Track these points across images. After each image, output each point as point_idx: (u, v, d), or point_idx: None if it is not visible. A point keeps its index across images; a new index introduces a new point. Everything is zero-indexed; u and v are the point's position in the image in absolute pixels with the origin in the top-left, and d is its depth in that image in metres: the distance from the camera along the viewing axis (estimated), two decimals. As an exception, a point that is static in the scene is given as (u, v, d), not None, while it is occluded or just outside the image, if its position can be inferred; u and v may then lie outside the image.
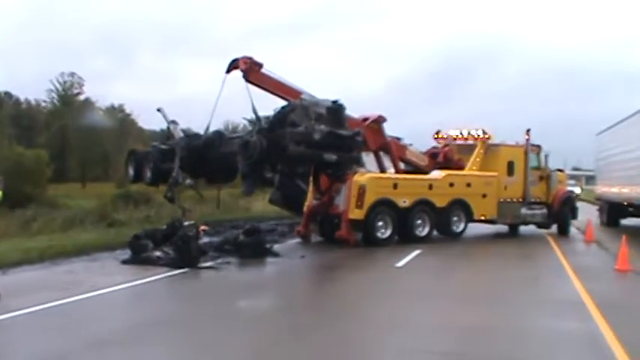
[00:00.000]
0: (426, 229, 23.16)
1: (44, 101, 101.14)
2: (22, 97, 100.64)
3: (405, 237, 22.51)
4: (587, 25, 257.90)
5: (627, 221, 32.55)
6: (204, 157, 20.60)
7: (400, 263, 18.03)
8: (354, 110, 22.35)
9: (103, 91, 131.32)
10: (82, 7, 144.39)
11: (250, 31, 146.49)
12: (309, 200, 22.69)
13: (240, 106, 22.41)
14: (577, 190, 60.55)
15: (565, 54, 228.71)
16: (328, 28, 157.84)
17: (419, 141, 27.69)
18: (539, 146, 27.89)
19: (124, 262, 17.62)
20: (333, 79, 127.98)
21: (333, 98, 20.71)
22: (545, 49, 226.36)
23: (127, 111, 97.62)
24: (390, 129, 24.29)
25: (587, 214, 31.11)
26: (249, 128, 20.77)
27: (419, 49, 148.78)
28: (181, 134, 21.49)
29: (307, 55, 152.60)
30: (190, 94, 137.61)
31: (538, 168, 27.52)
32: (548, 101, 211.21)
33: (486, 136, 26.26)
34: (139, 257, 17.70)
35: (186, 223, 18.81)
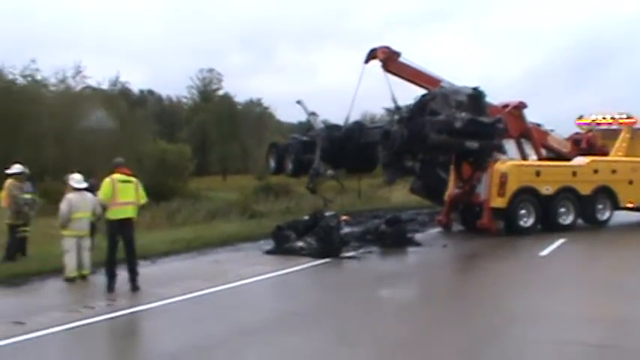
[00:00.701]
0: (570, 218, 22.53)
1: (185, 97, 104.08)
2: (163, 95, 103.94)
3: (547, 226, 21.95)
4: None
5: None
6: (345, 147, 20.78)
7: (544, 252, 17.65)
8: (492, 98, 22.05)
9: (242, 86, 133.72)
10: (224, 6, 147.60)
11: (387, 21, 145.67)
12: (451, 189, 22.47)
13: (377, 97, 22.49)
14: None
15: None
16: (464, 16, 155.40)
17: (558, 127, 27.07)
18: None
19: (268, 252, 17.98)
20: (469, 67, 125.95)
21: (473, 85, 20.50)
22: None
23: (265, 104, 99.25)
24: (535, 116, 23.83)
25: None
26: (387, 118, 20.77)
27: (555, 35, 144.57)
28: (322, 125, 21.73)
29: (443, 43, 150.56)
30: (327, 86, 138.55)
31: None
32: None
33: (632, 119, 25.36)
34: (282, 248, 18.00)
35: (327, 214, 19.02)
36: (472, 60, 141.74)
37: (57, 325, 9.95)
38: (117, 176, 13.25)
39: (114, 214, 13.13)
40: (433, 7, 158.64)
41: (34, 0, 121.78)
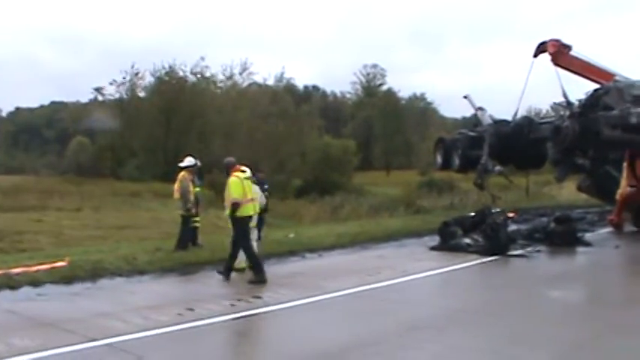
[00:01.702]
0: None
1: (349, 93, 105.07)
2: (328, 91, 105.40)
3: None
4: None
5: None
6: (513, 143, 20.41)
7: None
8: None
9: (408, 81, 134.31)
10: (393, 1, 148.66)
11: (557, 14, 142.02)
12: (623, 187, 21.60)
13: (542, 91, 21.96)
14: None
15: None
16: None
17: None
18: None
19: (433, 248, 17.89)
20: None
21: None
22: None
23: (428, 99, 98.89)
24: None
25: None
26: (553, 114, 20.27)
27: None
28: (489, 121, 21.46)
29: (616, 36, 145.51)
30: (492, 81, 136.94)
31: None
32: None
33: None
34: (448, 244, 17.86)
35: (494, 211, 18.72)
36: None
37: (225, 314, 10.24)
38: (241, 174, 13.58)
39: (246, 210, 13.47)
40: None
41: (204, 1, 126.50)
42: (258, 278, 13.08)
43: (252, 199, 13.65)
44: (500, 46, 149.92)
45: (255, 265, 13.33)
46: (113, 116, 57.12)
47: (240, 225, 13.48)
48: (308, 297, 11.57)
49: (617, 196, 21.84)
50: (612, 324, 10.03)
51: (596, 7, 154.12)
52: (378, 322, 10.01)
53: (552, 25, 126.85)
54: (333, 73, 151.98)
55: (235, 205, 13.28)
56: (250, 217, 13.68)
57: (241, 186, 13.39)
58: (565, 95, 19.20)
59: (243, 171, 13.71)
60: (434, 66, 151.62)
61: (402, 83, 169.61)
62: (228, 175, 13.70)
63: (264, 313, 10.58)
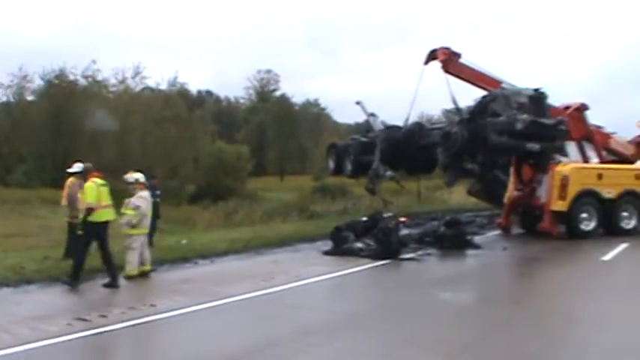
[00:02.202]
0: (633, 222, 22.09)
1: (242, 98, 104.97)
2: (221, 96, 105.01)
3: (609, 230, 21.59)
4: None
5: None
6: (404, 148, 20.70)
7: (606, 257, 17.32)
8: (556, 100, 21.85)
9: (303, 87, 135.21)
10: (292, 9, 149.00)
11: (452, 22, 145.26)
12: (511, 191, 22.28)
13: (434, 98, 22.43)
14: None
15: None
16: (527, 17, 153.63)
17: (626, 130, 26.70)
18: None
19: (326, 253, 18.00)
20: (531, 69, 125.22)
21: (534, 87, 20.34)
22: None
23: (322, 105, 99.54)
24: (597, 117, 23.52)
25: None
26: (445, 119, 20.66)
27: (626, 34, 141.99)
28: (381, 126, 21.69)
29: (506, 44, 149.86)
30: (389, 86, 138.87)
31: None
32: None
33: (698, 120, 24.88)
34: (340, 248, 18.00)
35: (386, 215, 18.97)
36: (535, 61, 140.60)
37: (117, 323, 10.10)
38: (97, 180, 13.70)
39: (99, 216, 13.49)
40: (496, 8, 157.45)
41: (97, 2, 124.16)
42: (72, 284, 13.22)
43: (107, 206, 13.69)
44: (395, 52, 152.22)
45: (75, 274, 13.34)
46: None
47: (92, 230, 13.47)
48: (202, 303, 11.51)
49: (505, 200, 22.48)
50: (499, 322, 10.47)
51: (488, 15, 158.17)
52: (270, 327, 10.07)
53: (447, 33, 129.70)
54: (227, 78, 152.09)
55: (89, 210, 13.29)
56: (105, 223, 13.64)
57: (97, 192, 13.43)
58: (454, 102, 19.60)
59: (100, 177, 13.84)
60: (330, 72, 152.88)
61: (298, 89, 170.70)
62: (85, 180, 13.91)
63: (158, 320, 10.46)
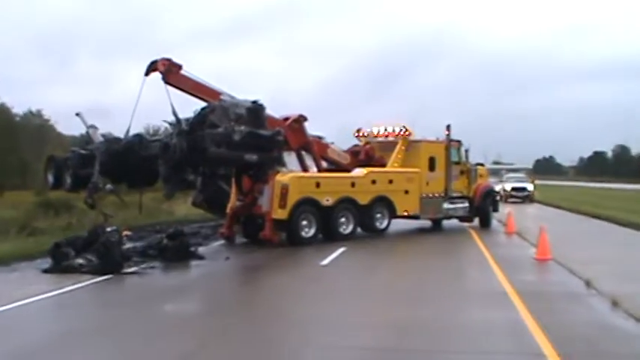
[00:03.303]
0: (350, 227, 23.27)
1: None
2: None
3: (329, 235, 22.58)
4: (517, 23, 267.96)
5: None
6: (125, 161, 20.38)
7: (325, 261, 18.10)
8: (289, 110, 22.48)
9: (27, 97, 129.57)
10: (17, 14, 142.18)
11: (192, 34, 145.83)
12: (232, 201, 22.57)
13: (163, 110, 22.24)
14: (529, 186, 55.00)
15: (491, 53, 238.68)
16: (269, 31, 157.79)
17: (345, 140, 27.97)
18: (459, 141, 28.28)
19: (45, 271, 17.22)
20: (269, 80, 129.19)
21: (253, 98, 20.85)
22: (474, 48, 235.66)
23: (46, 116, 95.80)
24: (321, 128, 24.45)
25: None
26: (170, 131, 20.58)
27: (352, 50, 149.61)
28: (101, 138, 21.23)
29: (245, 57, 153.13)
30: (121, 97, 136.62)
31: (459, 163, 27.94)
32: (476, 97, 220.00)
33: (407, 132, 26.48)
34: (60, 266, 17.31)
35: (108, 229, 18.57)
36: (273, 73, 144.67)
37: None
38: None
39: None
40: (238, 22, 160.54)
41: None
42: None
43: None
44: (127, 62, 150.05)
45: None
46: None
47: None
48: None
49: (228, 210, 22.72)
50: (221, 331, 10.68)
51: (231, 29, 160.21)
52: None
53: (188, 45, 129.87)
54: None
55: None
56: None
57: None
58: (175, 113, 19.51)
59: None
60: (58, 81, 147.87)
61: (24, 99, 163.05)
62: None
63: None
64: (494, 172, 66.32)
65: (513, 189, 54.05)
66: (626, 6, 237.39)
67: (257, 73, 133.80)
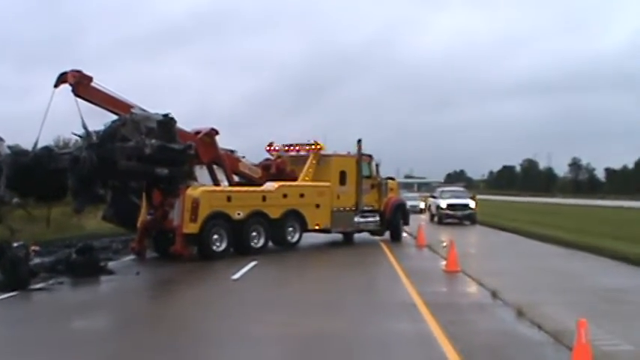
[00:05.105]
0: (262, 241, 23.35)
1: None
2: None
3: (241, 249, 22.57)
4: (443, 39, 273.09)
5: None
6: (33, 174, 20.02)
7: (236, 275, 18.13)
8: (213, 122, 22.42)
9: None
10: None
11: (116, 46, 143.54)
12: (143, 215, 22.35)
13: (75, 121, 21.91)
14: (471, 203, 44.76)
15: (417, 68, 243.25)
16: (195, 42, 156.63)
17: (260, 154, 28.04)
18: (370, 156, 28.68)
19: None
20: (196, 91, 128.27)
21: (164, 112, 20.77)
22: (401, 62, 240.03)
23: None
24: (243, 141, 24.49)
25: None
26: (80, 144, 20.32)
27: (279, 62, 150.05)
28: (8, 151, 20.81)
29: (173, 67, 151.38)
30: (39, 109, 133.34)
31: (370, 177, 28.30)
32: (397, 111, 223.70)
33: (318, 146, 26.73)
34: (-39, 283, 16.91)
35: (15, 244, 18.20)
36: (200, 84, 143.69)
37: None
38: None
39: None
40: (164, 35, 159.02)
41: None
42: None
43: None
44: (50, 73, 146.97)
45: None
46: None
47: None
48: None
49: (139, 224, 22.51)
50: (131, 346, 10.70)
51: (153, 42, 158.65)
52: None
53: (111, 57, 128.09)
54: None
55: None
56: None
57: None
58: (84, 126, 19.27)
59: None
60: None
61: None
62: None
63: None
64: (406, 186, 67.14)
65: (450, 206, 44.11)
66: (544, 28, 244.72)
67: (184, 84, 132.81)
